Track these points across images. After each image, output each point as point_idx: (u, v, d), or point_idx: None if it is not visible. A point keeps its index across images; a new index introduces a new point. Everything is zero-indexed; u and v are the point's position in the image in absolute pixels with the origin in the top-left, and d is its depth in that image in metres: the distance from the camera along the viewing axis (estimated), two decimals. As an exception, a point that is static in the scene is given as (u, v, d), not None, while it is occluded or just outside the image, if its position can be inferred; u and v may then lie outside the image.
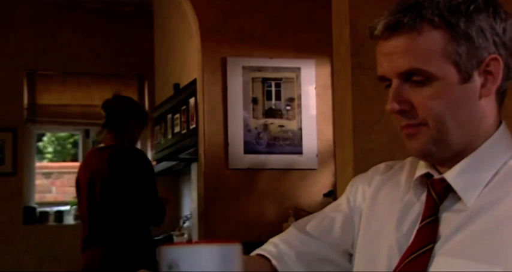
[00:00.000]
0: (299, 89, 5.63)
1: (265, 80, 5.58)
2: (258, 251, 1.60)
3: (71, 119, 7.60)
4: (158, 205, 4.40)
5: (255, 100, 5.55)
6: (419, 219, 1.42)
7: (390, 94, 1.40)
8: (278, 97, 5.60)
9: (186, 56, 6.52)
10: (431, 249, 1.36)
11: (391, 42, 1.38)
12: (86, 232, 4.42)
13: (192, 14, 5.63)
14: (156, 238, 5.77)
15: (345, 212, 1.60)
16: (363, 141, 3.12)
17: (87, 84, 7.66)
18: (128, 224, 4.34)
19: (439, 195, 1.41)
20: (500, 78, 1.39)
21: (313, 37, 5.62)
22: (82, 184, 4.47)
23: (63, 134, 8.97)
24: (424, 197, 1.44)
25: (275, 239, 1.61)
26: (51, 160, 9.12)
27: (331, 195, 5.00)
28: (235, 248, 1.02)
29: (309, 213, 5.45)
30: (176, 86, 6.59)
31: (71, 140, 8.94)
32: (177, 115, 6.36)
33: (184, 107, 6.18)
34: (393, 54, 1.38)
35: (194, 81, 5.83)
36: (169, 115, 6.53)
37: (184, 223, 6.86)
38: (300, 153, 5.57)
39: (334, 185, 4.77)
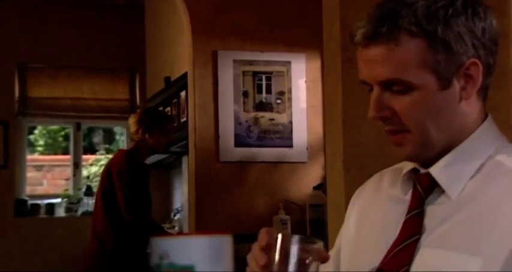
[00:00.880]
0: (289, 83, 5.64)
1: (255, 74, 5.59)
2: None
3: (62, 112, 7.59)
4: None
5: (245, 94, 5.56)
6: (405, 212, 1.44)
7: (371, 102, 1.41)
8: (269, 91, 5.61)
9: (177, 49, 6.52)
10: (417, 241, 1.37)
11: (370, 51, 1.39)
12: None
13: (183, 7, 5.63)
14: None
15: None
16: (352, 135, 3.13)
17: (78, 77, 7.64)
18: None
19: (424, 188, 1.43)
20: (480, 81, 1.40)
21: (304, 32, 5.63)
22: None
23: (54, 127, 8.95)
24: (411, 192, 1.46)
25: None
26: (42, 153, 9.10)
27: (321, 188, 5.02)
28: (226, 240, 1.02)
29: (299, 206, 5.47)
30: (167, 79, 6.60)
31: (62, 133, 8.92)
32: (168, 109, 6.37)
33: (175, 100, 6.19)
34: (372, 62, 1.39)
35: (185, 75, 5.83)
36: (160, 109, 6.54)
37: (175, 216, 6.88)
38: (290, 146, 5.59)
39: (324, 178, 4.79)
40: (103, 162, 7.71)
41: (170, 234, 4.37)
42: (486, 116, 1.46)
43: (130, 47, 7.73)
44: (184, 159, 6.21)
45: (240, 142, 5.51)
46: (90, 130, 8.68)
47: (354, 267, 1.47)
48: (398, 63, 1.36)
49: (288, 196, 5.52)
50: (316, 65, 5.61)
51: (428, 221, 1.39)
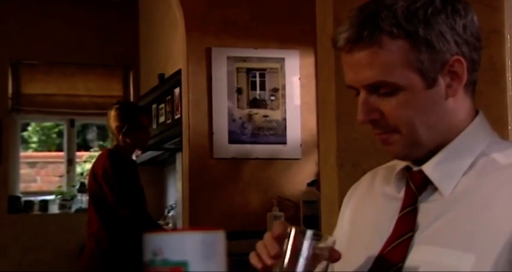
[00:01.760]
0: (283, 79, 5.64)
1: (249, 70, 5.59)
2: None
3: (56, 109, 7.58)
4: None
5: (239, 91, 5.56)
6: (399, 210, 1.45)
7: (359, 105, 1.42)
8: (262, 88, 5.61)
9: (171, 46, 6.52)
10: (411, 238, 1.38)
11: (354, 55, 1.40)
12: None
13: (177, 4, 5.63)
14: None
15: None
16: (346, 131, 3.13)
17: (72, 74, 7.63)
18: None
19: (417, 186, 1.43)
20: (465, 77, 1.40)
21: (297, 28, 5.63)
22: None
23: (48, 124, 8.94)
24: (404, 190, 1.47)
25: None
26: (36, 150, 9.08)
27: (315, 185, 5.02)
28: (219, 236, 1.03)
29: (293, 203, 5.47)
30: (161, 76, 6.60)
31: (56, 130, 8.91)
32: (162, 105, 6.36)
33: (169, 97, 6.19)
34: (357, 67, 1.40)
35: (179, 71, 5.83)
36: (154, 105, 6.54)
37: (169, 212, 6.88)
38: (284, 142, 5.59)
39: (318, 175, 4.79)
40: (97, 159, 7.69)
41: (164, 230, 4.35)
42: (477, 113, 1.47)
43: (125, 43, 7.73)
44: (178, 156, 6.21)
45: (234, 139, 5.51)
46: (84, 127, 8.67)
47: (348, 264, 1.47)
48: (383, 65, 1.37)
49: (281, 192, 5.53)
50: (310, 61, 5.61)
51: (421, 218, 1.40)
